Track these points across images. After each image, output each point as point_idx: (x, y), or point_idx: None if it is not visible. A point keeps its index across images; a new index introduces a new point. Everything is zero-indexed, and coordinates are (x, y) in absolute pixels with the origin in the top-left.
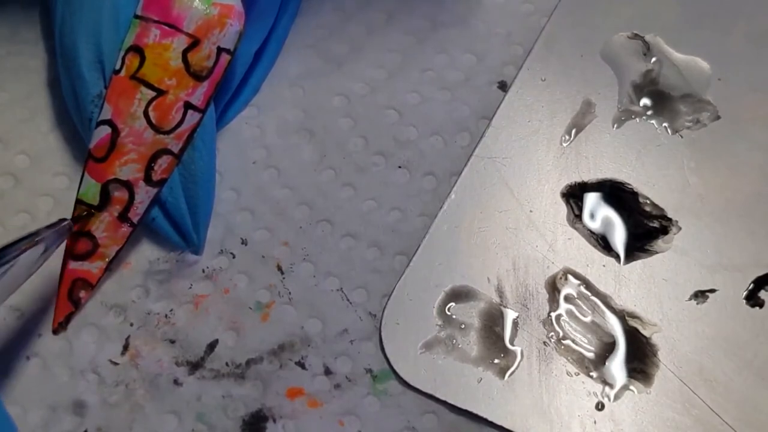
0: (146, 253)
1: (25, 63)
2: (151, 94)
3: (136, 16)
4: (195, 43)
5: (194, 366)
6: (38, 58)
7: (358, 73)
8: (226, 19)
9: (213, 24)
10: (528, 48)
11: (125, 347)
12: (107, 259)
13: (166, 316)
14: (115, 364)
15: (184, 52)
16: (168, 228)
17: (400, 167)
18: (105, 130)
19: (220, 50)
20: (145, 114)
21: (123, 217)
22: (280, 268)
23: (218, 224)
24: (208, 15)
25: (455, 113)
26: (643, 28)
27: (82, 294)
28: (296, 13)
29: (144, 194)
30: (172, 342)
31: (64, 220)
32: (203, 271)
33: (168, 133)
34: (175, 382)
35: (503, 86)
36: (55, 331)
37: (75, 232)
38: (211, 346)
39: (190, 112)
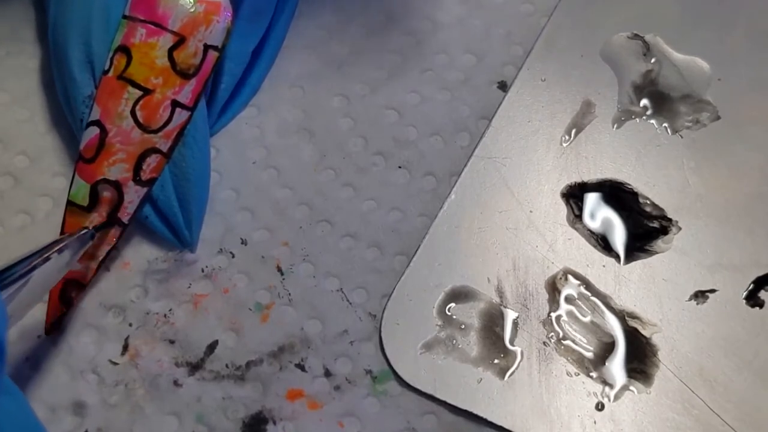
0: (145, 252)
1: (24, 63)
2: (138, 93)
3: (124, 16)
4: (181, 41)
5: (194, 367)
6: (37, 58)
7: (358, 74)
8: (213, 16)
9: (199, 21)
10: (528, 48)
11: (125, 347)
12: (98, 260)
13: (165, 315)
14: (115, 364)
15: (170, 51)
16: (160, 226)
17: (400, 167)
18: (94, 131)
19: (207, 47)
20: (132, 113)
21: (112, 217)
22: (279, 269)
23: (218, 224)
24: (193, 13)
25: (455, 113)
26: (643, 28)
27: (74, 295)
28: (294, 12)
29: (133, 194)
30: (172, 342)
31: (86, 228)
32: (202, 270)
33: (156, 131)
34: (175, 383)
35: (503, 86)
36: (48, 332)
37: (67, 233)
38: (211, 347)
39: (177, 110)
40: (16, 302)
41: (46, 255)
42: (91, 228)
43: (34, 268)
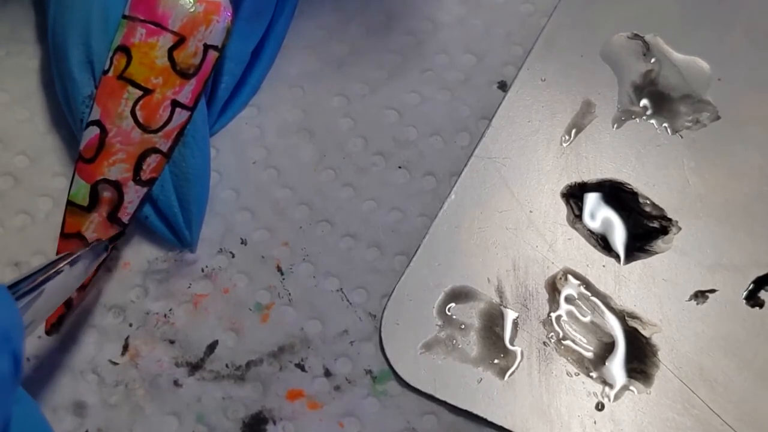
0: (145, 252)
1: (24, 63)
2: (138, 93)
3: (124, 16)
4: (181, 40)
5: (194, 367)
6: (37, 58)
7: (358, 74)
8: (212, 15)
9: (199, 21)
10: (528, 48)
11: (125, 347)
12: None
13: (165, 315)
14: (115, 364)
15: (170, 51)
16: (161, 226)
17: (400, 167)
18: (94, 131)
19: (207, 47)
20: (132, 113)
21: (112, 217)
22: (279, 269)
23: (218, 224)
24: (193, 12)
25: (455, 113)
26: (643, 28)
27: (75, 295)
28: (294, 12)
29: (133, 194)
30: (172, 342)
31: (100, 240)
32: (202, 270)
33: (156, 131)
34: (175, 383)
35: (503, 86)
36: (48, 333)
37: (65, 233)
38: (211, 347)
39: (177, 110)
40: (29, 314)
41: (59, 267)
42: (105, 240)
43: (47, 280)
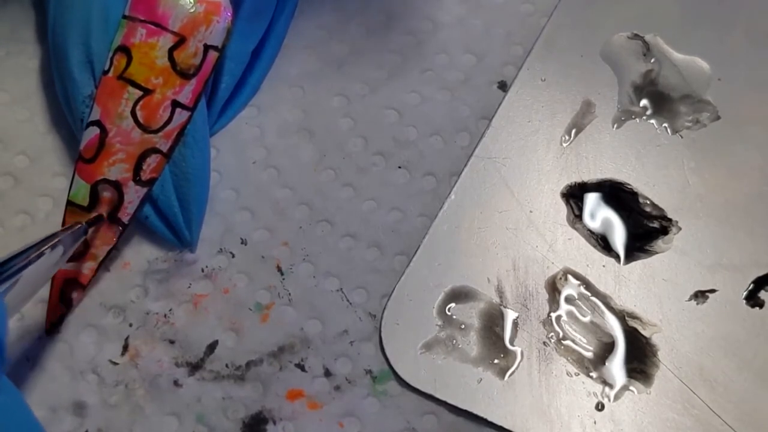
0: (145, 252)
1: (24, 63)
2: (138, 93)
3: (124, 17)
4: (181, 41)
5: (194, 367)
6: (37, 58)
7: (358, 74)
8: (213, 16)
9: (199, 21)
10: (528, 48)
11: (125, 347)
12: (98, 260)
13: (165, 315)
14: (115, 364)
15: (170, 51)
16: (160, 226)
17: (399, 167)
18: (94, 131)
19: (207, 47)
20: (133, 113)
21: (112, 217)
22: (279, 269)
23: (218, 224)
24: (193, 13)
25: (455, 113)
26: (643, 28)
27: (74, 295)
28: (294, 12)
29: (133, 194)
30: (172, 342)
31: (78, 223)
32: (202, 270)
33: (156, 132)
34: (175, 383)
35: (503, 86)
36: (48, 332)
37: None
38: (211, 347)
39: (178, 110)
40: (10, 298)
41: (39, 251)
42: (84, 223)
43: (27, 264)
